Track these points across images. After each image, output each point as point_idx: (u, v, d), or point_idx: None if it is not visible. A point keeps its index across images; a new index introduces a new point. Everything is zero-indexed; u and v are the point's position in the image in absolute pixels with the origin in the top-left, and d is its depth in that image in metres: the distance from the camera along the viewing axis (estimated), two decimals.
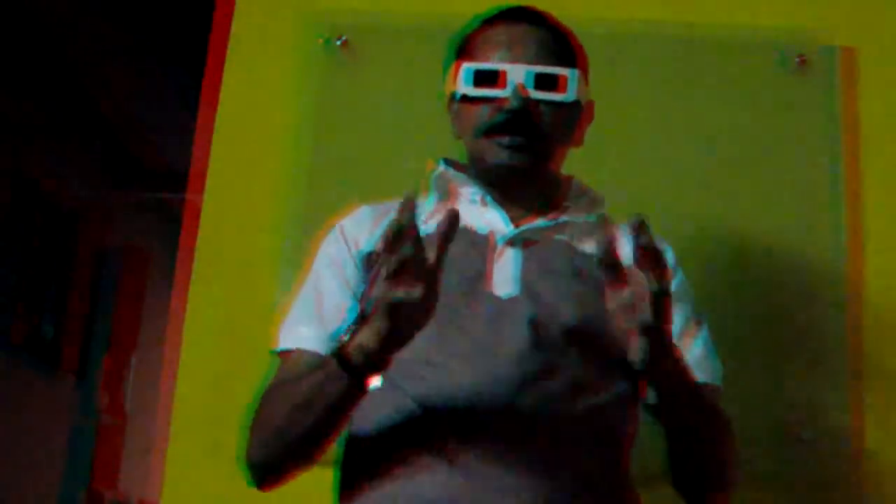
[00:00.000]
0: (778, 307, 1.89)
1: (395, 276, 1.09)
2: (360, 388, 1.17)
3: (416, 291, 1.09)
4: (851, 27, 2.02)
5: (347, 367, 1.15)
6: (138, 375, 6.08)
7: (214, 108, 2.03)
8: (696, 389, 1.24)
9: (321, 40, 2.01)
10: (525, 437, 1.20)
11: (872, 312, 1.89)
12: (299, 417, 1.20)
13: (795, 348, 1.87)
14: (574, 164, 1.78)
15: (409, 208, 1.08)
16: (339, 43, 2.01)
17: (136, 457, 5.94)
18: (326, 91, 2.00)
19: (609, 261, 1.09)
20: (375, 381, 1.18)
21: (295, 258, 1.90)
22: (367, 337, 1.14)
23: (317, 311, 1.33)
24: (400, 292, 1.09)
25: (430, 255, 1.11)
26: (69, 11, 4.26)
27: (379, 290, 1.11)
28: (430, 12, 2.02)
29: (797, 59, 1.98)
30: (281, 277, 1.90)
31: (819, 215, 1.92)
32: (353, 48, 2.01)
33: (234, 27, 2.07)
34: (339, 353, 1.16)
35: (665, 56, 2.00)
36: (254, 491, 1.83)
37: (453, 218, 1.10)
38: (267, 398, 1.28)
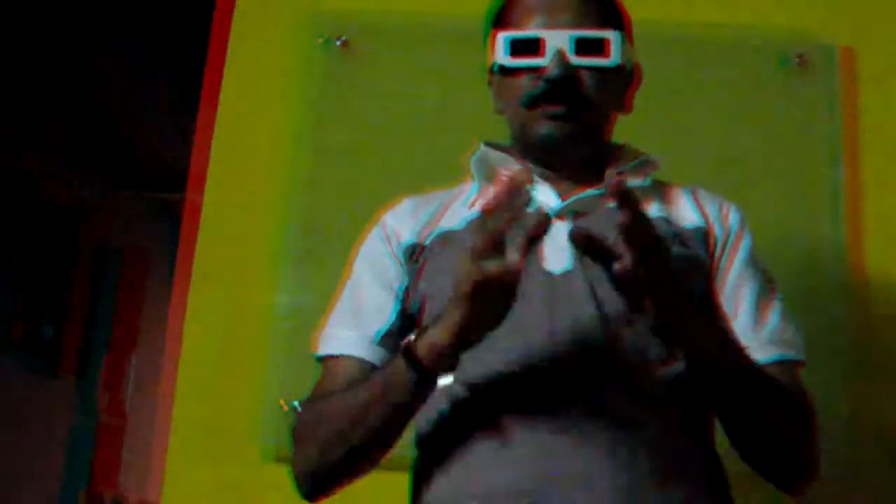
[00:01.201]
0: None
1: (483, 250, 1.02)
2: (429, 388, 1.13)
3: (510, 261, 1.02)
4: (851, 27, 2.02)
5: (417, 366, 1.10)
6: (138, 375, 6.08)
7: (214, 108, 2.02)
8: (736, 353, 1.15)
9: (321, 40, 2.01)
10: (594, 418, 1.12)
11: (873, 311, 1.90)
12: (362, 423, 1.15)
13: None
14: None
15: (511, 185, 1.02)
16: (339, 43, 2.01)
17: (136, 457, 5.94)
18: (326, 91, 2.00)
19: (615, 192, 1.02)
20: (445, 379, 1.14)
21: (295, 258, 1.91)
22: (439, 333, 1.08)
23: (357, 313, 1.28)
24: (491, 266, 1.02)
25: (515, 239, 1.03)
26: (69, 12, 4.26)
27: (462, 269, 1.04)
28: (431, 12, 2.02)
29: (797, 59, 1.98)
30: (281, 277, 1.90)
31: (819, 214, 1.92)
32: (353, 48, 2.01)
33: (234, 27, 2.07)
34: (408, 354, 1.11)
35: (665, 56, 1.99)
36: (253, 491, 1.83)
37: (543, 219, 1.03)
38: (317, 407, 1.23)
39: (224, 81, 2.04)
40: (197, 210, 1.98)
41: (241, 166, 2.00)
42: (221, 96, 2.03)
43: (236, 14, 2.08)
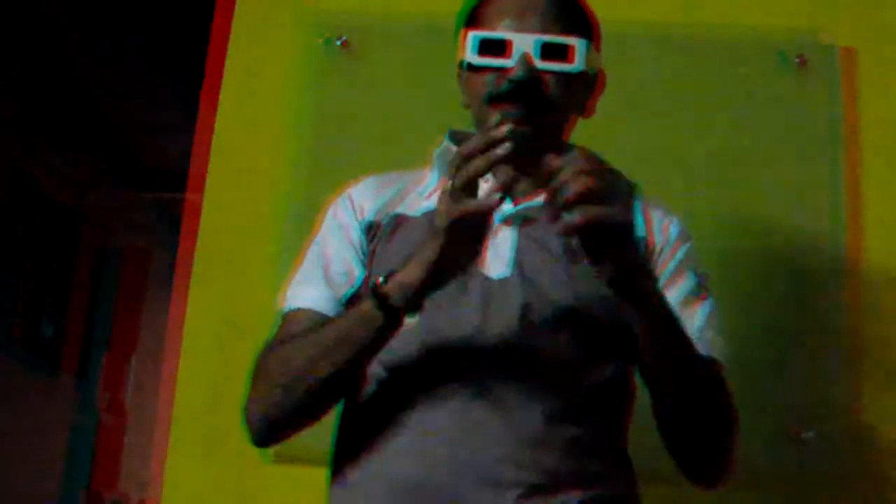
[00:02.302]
0: (778, 305, 1.89)
1: (461, 191, 1.09)
2: (394, 328, 1.17)
3: (485, 200, 1.09)
4: (851, 27, 2.02)
5: (385, 305, 1.15)
6: (138, 375, 6.08)
7: (214, 108, 2.03)
8: (679, 329, 1.19)
9: (321, 40, 2.01)
10: (508, 420, 1.19)
11: (873, 311, 1.90)
12: (323, 362, 1.20)
13: (795, 347, 1.87)
14: None
15: (492, 135, 1.08)
16: (339, 43, 2.01)
17: (136, 457, 5.94)
18: (326, 91, 2.00)
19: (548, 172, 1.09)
20: (410, 320, 1.18)
21: (295, 258, 1.90)
22: (410, 271, 1.15)
23: (325, 273, 1.32)
24: (468, 203, 1.09)
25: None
26: (69, 12, 4.26)
27: (440, 206, 1.11)
28: (430, 12, 2.02)
29: (797, 59, 1.98)
30: (281, 277, 1.90)
31: (819, 214, 1.92)
32: (353, 48, 2.01)
33: (234, 27, 2.07)
34: (377, 292, 1.16)
35: (665, 56, 2.00)
36: (253, 491, 1.83)
37: (510, 177, 1.11)
38: (278, 350, 1.27)
39: (224, 81, 2.04)
40: (197, 210, 1.98)
41: (241, 166, 2.00)
42: (221, 96, 2.03)
43: (236, 14, 2.08)
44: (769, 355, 1.86)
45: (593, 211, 1.07)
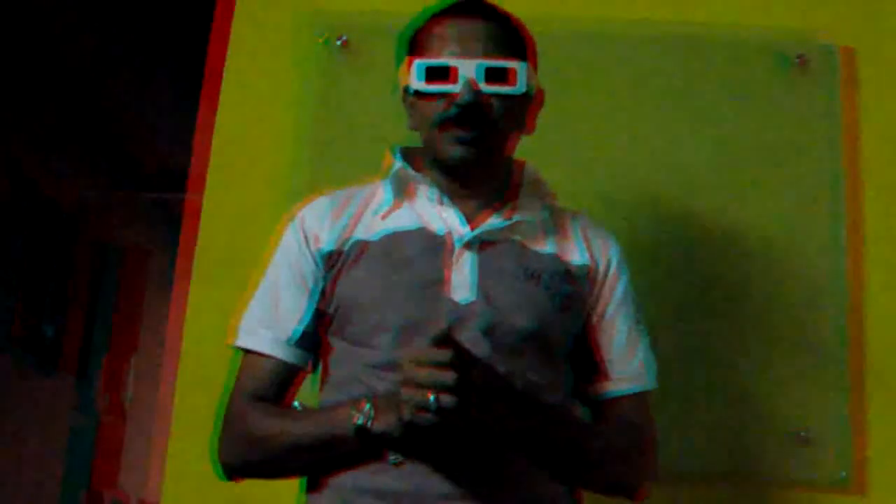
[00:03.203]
0: (778, 306, 1.89)
1: (420, 385, 1.16)
2: (375, 458, 1.27)
3: (445, 400, 1.16)
4: (851, 27, 2.02)
5: (367, 441, 1.25)
6: (138, 375, 6.08)
7: (214, 108, 2.03)
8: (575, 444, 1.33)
9: (321, 40, 2.01)
10: (466, 441, 1.25)
11: (873, 311, 1.90)
12: (298, 457, 1.32)
13: (796, 348, 1.87)
14: (575, 162, 1.78)
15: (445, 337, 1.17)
16: (339, 43, 2.01)
17: (136, 457, 5.95)
18: (326, 91, 2.00)
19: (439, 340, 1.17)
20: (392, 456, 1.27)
21: None
22: (392, 426, 1.23)
23: (274, 312, 1.40)
24: (422, 419, 1.17)
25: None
26: (69, 12, 4.26)
27: (407, 390, 1.17)
28: None
29: (797, 59, 1.98)
30: None
31: (819, 215, 1.92)
32: (353, 48, 2.01)
33: (234, 27, 2.07)
34: (361, 429, 1.24)
35: (665, 56, 2.00)
36: (253, 491, 1.83)
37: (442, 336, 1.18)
38: (246, 409, 1.36)
39: (224, 81, 2.04)
40: (197, 210, 1.98)
41: (241, 166, 2.00)
42: (221, 96, 2.03)
43: (236, 14, 2.08)
44: (769, 358, 1.86)
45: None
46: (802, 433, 1.82)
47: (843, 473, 1.82)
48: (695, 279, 1.89)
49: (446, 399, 1.15)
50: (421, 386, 1.16)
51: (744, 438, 1.83)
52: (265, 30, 2.07)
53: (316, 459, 1.31)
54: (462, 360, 1.18)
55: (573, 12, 2.02)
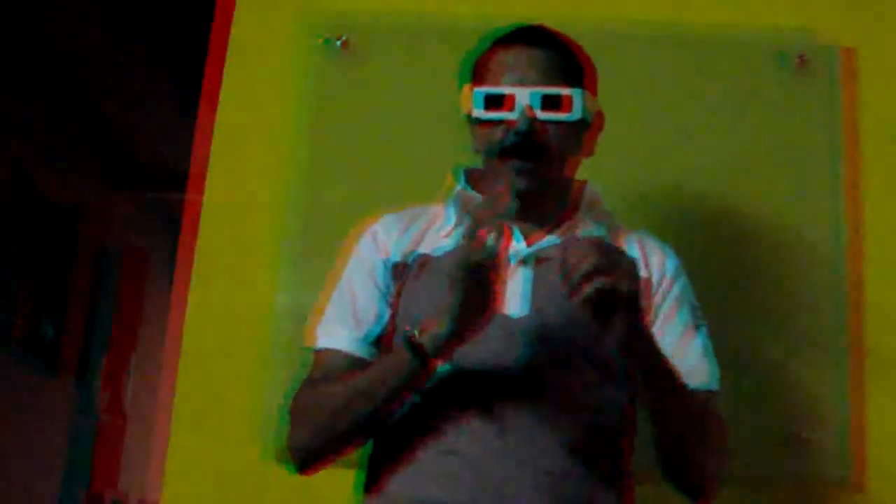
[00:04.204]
0: (777, 305, 1.89)
1: (477, 235, 1.22)
2: (428, 375, 1.29)
3: (494, 247, 1.22)
4: (851, 27, 2.02)
5: (419, 355, 1.26)
6: (138, 375, 6.08)
7: (214, 108, 2.02)
8: (673, 374, 1.31)
9: (321, 40, 2.01)
10: (527, 447, 1.30)
11: (873, 311, 1.90)
12: (359, 405, 1.32)
13: (796, 348, 1.87)
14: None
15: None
16: (339, 43, 2.01)
17: (136, 457, 5.95)
18: (326, 91, 2.00)
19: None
20: (441, 365, 1.29)
21: (295, 258, 1.91)
22: (438, 325, 1.25)
23: (352, 313, 1.42)
24: (476, 254, 1.22)
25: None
26: (69, 12, 4.26)
27: (459, 252, 1.23)
28: (431, 12, 2.02)
29: (797, 59, 1.98)
30: (281, 277, 1.90)
31: (819, 214, 1.92)
32: (353, 48, 2.01)
33: (234, 27, 2.07)
34: (411, 343, 1.26)
35: (665, 56, 2.00)
36: (253, 491, 1.83)
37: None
38: (317, 390, 1.37)
39: (224, 81, 2.04)
40: (197, 210, 1.98)
41: (241, 166, 2.00)
42: (221, 96, 2.03)
43: (236, 14, 2.08)
44: (770, 356, 1.86)
45: (598, 283, 1.18)
46: (802, 433, 1.82)
47: (844, 473, 1.82)
48: (692, 279, 1.89)
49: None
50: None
51: (744, 438, 1.83)
52: (265, 30, 2.07)
53: (374, 406, 1.31)
54: None
55: (573, 12, 2.02)
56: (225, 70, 2.04)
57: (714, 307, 1.87)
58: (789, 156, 1.95)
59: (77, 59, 4.71)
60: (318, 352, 1.43)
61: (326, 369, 1.40)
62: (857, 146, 1.96)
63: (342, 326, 1.42)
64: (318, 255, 1.90)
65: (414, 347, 1.26)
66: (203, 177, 1.99)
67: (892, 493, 1.83)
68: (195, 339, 1.91)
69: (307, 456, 1.38)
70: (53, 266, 5.21)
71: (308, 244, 1.91)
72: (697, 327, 1.45)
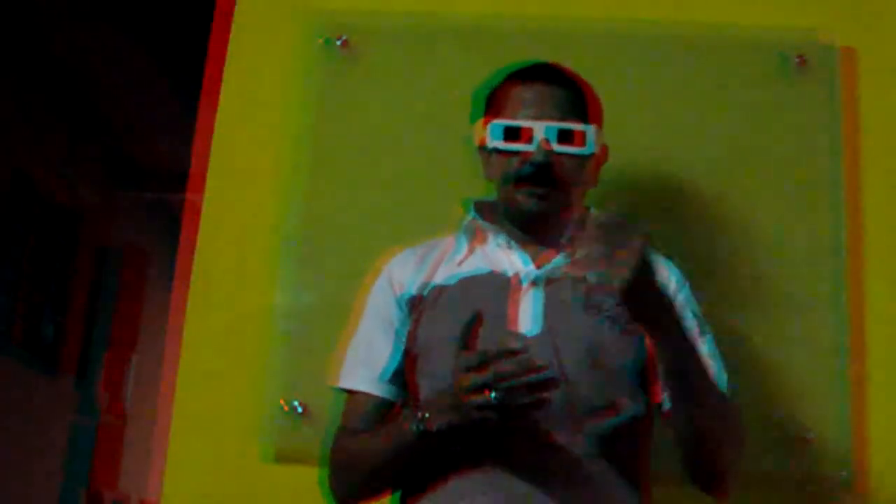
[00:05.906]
0: (777, 306, 1.89)
1: (480, 387, 1.27)
2: (438, 449, 1.38)
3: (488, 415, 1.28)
4: (851, 27, 2.02)
5: (427, 437, 1.34)
6: (138, 375, 6.09)
7: (214, 108, 2.02)
8: (702, 364, 1.40)
9: (321, 40, 2.01)
10: (548, 463, 1.37)
11: (873, 311, 1.89)
12: (385, 471, 1.43)
13: (796, 349, 1.87)
14: None
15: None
16: (339, 43, 2.01)
17: (136, 457, 5.95)
18: (326, 91, 2.00)
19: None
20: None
21: (295, 258, 1.91)
22: (449, 415, 1.32)
23: (368, 354, 1.53)
24: (474, 413, 1.29)
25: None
26: (69, 12, 4.27)
27: (468, 384, 1.28)
28: (430, 12, 2.02)
29: (797, 59, 1.98)
30: (281, 277, 1.90)
31: (819, 215, 1.92)
32: (353, 48, 2.01)
33: (234, 27, 2.07)
34: (420, 427, 1.34)
35: (665, 56, 1.99)
36: (253, 491, 1.83)
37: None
38: (346, 443, 1.49)
39: (224, 81, 2.04)
40: (197, 210, 1.98)
41: (241, 166, 2.00)
42: (221, 96, 2.03)
43: (236, 14, 2.08)
44: (771, 357, 1.86)
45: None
46: (803, 433, 1.82)
47: (845, 473, 1.81)
48: (692, 278, 1.89)
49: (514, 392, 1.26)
50: (478, 388, 1.27)
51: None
52: (265, 30, 2.07)
53: (397, 469, 1.42)
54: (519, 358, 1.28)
55: (572, 12, 2.02)
56: (225, 70, 2.04)
57: (712, 307, 1.88)
58: (789, 155, 1.95)
59: (77, 59, 4.70)
60: (348, 395, 1.53)
61: (354, 413, 1.51)
62: (857, 146, 1.96)
63: (359, 366, 1.52)
64: (318, 255, 1.90)
65: (425, 433, 1.34)
66: (203, 177, 1.99)
67: (892, 493, 1.83)
68: (195, 339, 1.91)
69: (345, 500, 1.49)
70: (53, 266, 5.21)
71: (308, 244, 1.91)
72: (703, 334, 1.51)
